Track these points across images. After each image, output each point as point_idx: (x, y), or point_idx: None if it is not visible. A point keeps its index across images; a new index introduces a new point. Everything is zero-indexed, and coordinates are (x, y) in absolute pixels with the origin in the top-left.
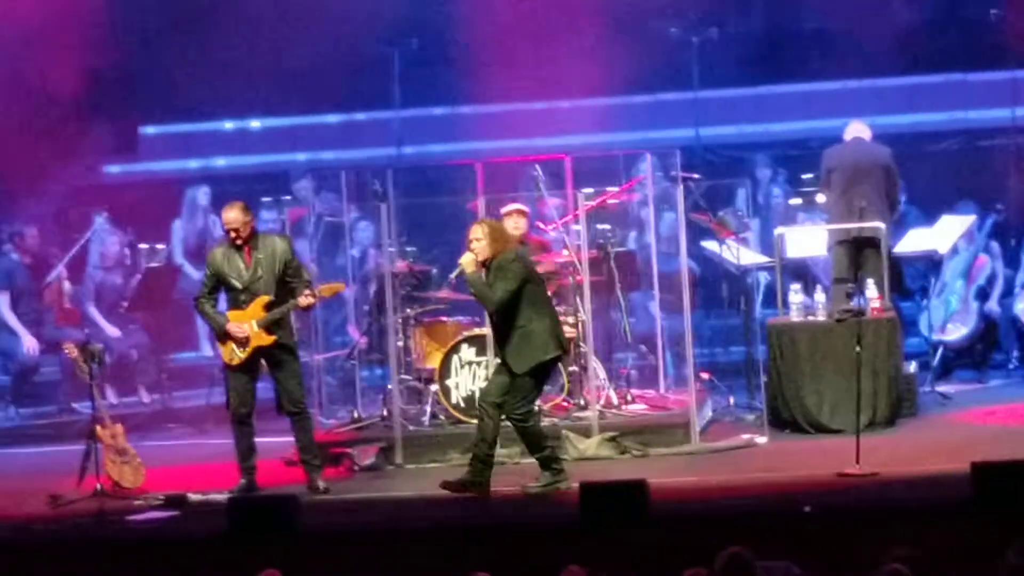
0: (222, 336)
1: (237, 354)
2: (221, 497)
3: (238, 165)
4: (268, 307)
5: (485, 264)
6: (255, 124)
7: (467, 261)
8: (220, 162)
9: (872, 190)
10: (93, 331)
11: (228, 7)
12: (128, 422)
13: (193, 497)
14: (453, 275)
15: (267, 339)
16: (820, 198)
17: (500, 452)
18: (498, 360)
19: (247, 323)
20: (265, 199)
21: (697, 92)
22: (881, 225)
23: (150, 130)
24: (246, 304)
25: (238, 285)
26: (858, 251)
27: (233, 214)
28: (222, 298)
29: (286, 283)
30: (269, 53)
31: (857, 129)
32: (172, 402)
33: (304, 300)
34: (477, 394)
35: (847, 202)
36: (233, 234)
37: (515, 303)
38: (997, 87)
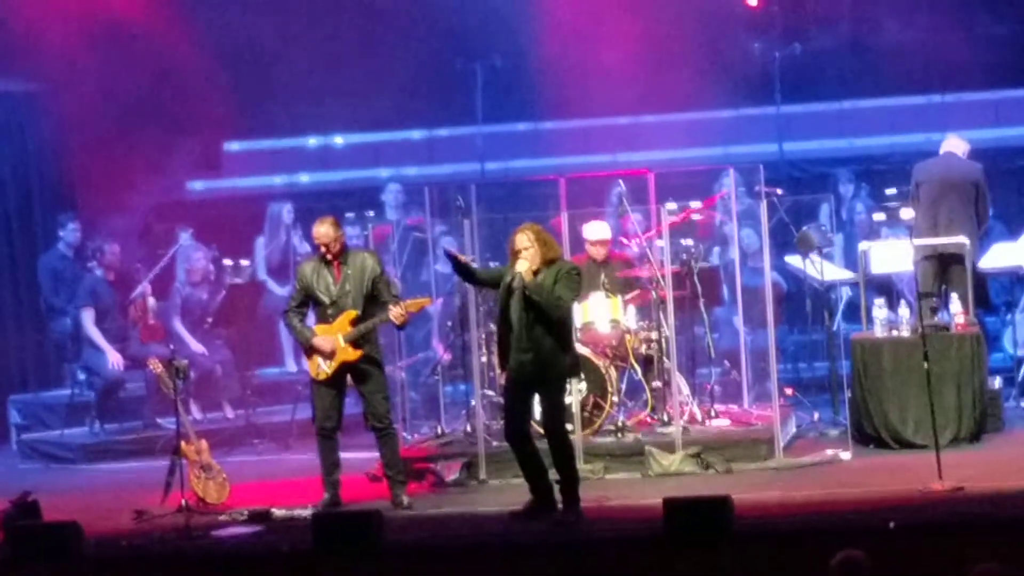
0: (308, 350)
1: (323, 368)
2: (305, 512)
3: (321, 181)
4: (355, 322)
5: (536, 271)
6: (338, 140)
7: (524, 269)
8: (303, 178)
9: (959, 205)
10: (178, 346)
11: (311, 23)
12: (212, 438)
13: (277, 512)
14: (514, 282)
15: (353, 354)
16: (906, 212)
17: (583, 467)
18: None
19: (333, 337)
20: (348, 215)
21: (780, 107)
22: (965, 240)
23: (234, 146)
24: (333, 318)
25: (326, 300)
26: (943, 266)
27: (324, 229)
28: (310, 313)
29: (374, 299)
30: (353, 69)
31: (952, 144)
32: (256, 418)
33: (393, 313)
34: None
35: (932, 216)
36: (323, 249)
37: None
38: None
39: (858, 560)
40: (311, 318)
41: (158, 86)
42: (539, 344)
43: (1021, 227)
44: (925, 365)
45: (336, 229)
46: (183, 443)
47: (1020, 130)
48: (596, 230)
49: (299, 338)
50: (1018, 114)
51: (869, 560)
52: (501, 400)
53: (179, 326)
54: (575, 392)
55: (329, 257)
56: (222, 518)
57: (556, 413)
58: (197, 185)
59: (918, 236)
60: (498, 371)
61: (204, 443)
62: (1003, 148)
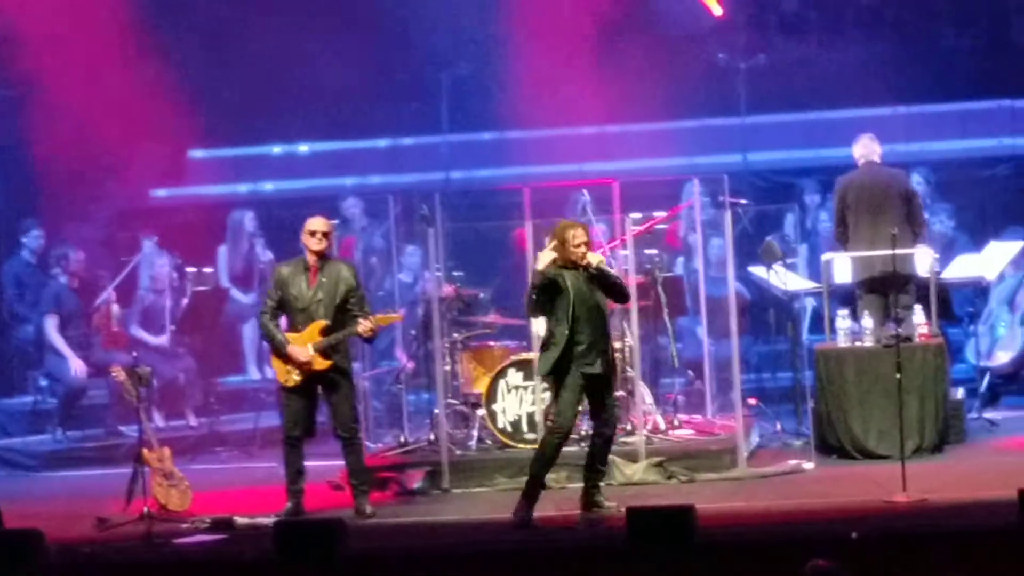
0: (278, 355)
1: (292, 376)
2: (268, 520)
3: (285, 189)
4: (325, 331)
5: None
6: (303, 148)
7: (599, 260)
8: (268, 186)
9: (894, 219)
10: (140, 349)
11: (277, 30)
12: (175, 445)
13: (240, 520)
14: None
15: (322, 363)
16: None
17: (548, 476)
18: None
19: (303, 346)
20: None
21: (745, 117)
22: (926, 250)
23: (198, 154)
24: (302, 326)
25: (298, 305)
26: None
27: (321, 220)
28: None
29: (346, 310)
30: (317, 77)
31: (868, 149)
32: (219, 425)
33: (363, 326)
34: (524, 418)
35: (870, 236)
36: (319, 236)
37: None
38: None
39: (830, 569)
40: (281, 324)
41: (122, 93)
42: (609, 342)
43: (984, 238)
44: (897, 376)
45: (331, 226)
46: (145, 451)
47: (984, 142)
48: None
49: (272, 342)
50: (982, 126)
51: (840, 569)
52: (464, 409)
53: (137, 328)
54: (538, 401)
55: (315, 250)
56: (184, 526)
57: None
58: (161, 192)
59: (855, 257)
60: (461, 380)
61: (167, 451)
62: (967, 160)
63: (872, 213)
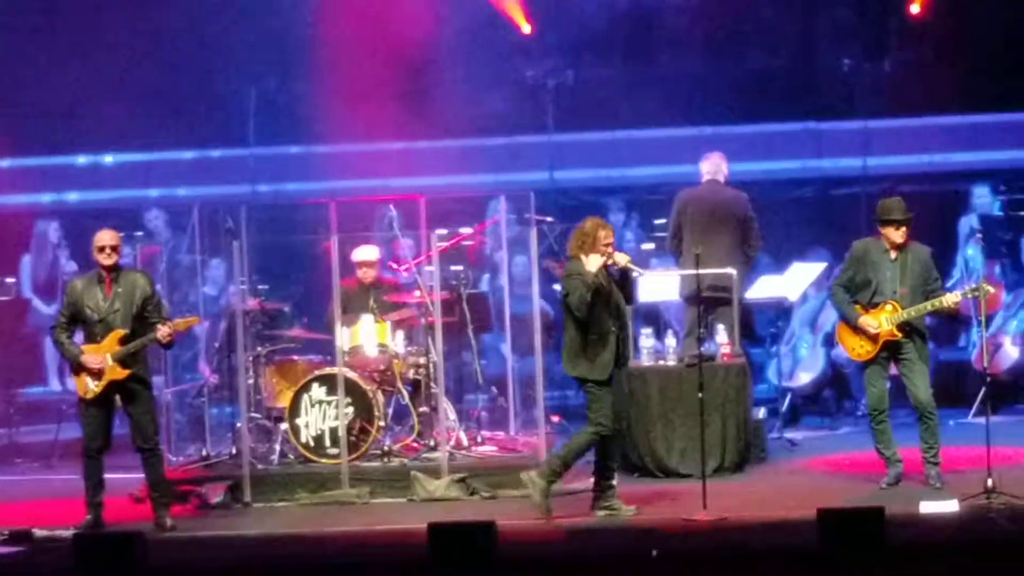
0: (76, 368)
1: (91, 387)
2: (67, 533)
3: (90, 200)
4: (123, 341)
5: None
6: (108, 159)
7: (627, 257)
8: (72, 196)
9: (728, 238)
10: None
11: (83, 39)
12: None
13: (38, 533)
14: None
15: (121, 372)
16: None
17: (349, 492)
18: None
19: (102, 356)
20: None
21: (552, 135)
22: (732, 272)
23: (2, 163)
24: (101, 337)
25: (95, 317)
26: (711, 300)
27: (109, 234)
28: (78, 331)
29: (144, 319)
30: (124, 87)
31: (714, 167)
32: (19, 436)
33: (161, 332)
34: (327, 433)
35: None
36: (105, 253)
37: None
38: (849, 136)
39: None
40: (79, 337)
41: None
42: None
43: (788, 259)
44: (700, 395)
45: (119, 239)
46: None
47: (788, 163)
48: (365, 252)
49: (66, 355)
50: (787, 147)
51: None
52: (267, 423)
53: None
54: (341, 416)
55: (106, 264)
56: None
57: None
58: None
59: (684, 269)
60: (265, 394)
61: None
62: (771, 181)
63: (707, 231)
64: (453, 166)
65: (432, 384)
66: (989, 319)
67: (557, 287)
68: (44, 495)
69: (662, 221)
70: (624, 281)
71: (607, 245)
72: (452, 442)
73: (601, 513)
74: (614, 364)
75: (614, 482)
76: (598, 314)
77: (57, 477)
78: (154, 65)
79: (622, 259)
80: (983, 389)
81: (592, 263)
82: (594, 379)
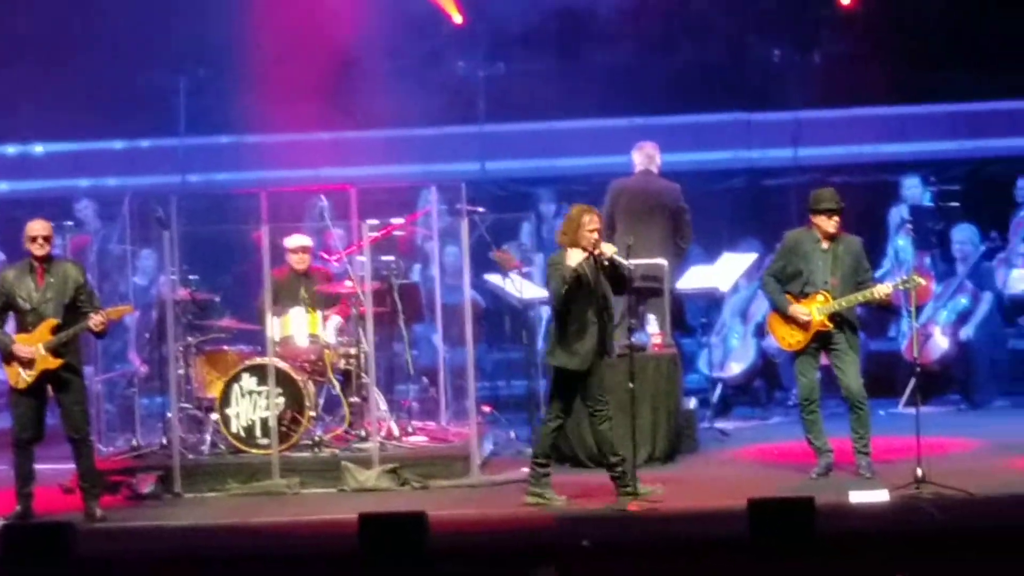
0: (7, 357)
1: (23, 377)
2: None
3: (19, 190)
4: (56, 330)
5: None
6: (38, 149)
7: (613, 249)
8: (2, 187)
9: (660, 229)
10: None
11: (12, 30)
12: None
13: None
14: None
15: (54, 362)
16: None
17: (279, 482)
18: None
19: (34, 346)
20: None
21: (483, 126)
22: (663, 263)
23: None
24: (33, 327)
25: (26, 306)
26: (642, 290)
27: (41, 224)
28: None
29: (76, 308)
30: (54, 77)
31: (647, 158)
32: None
33: (94, 321)
34: (258, 423)
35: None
36: (40, 241)
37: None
38: (780, 127)
39: None
40: (10, 326)
41: None
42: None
43: (718, 250)
44: (631, 385)
45: (51, 229)
46: None
47: (718, 154)
48: (296, 239)
49: None
50: (716, 138)
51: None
52: (198, 413)
53: None
54: (272, 406)
55: (39, 255)
56: None
57: None
58: None
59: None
60: (195, 384)
61: None
62: (701, 172)
63: (639, 221)
64: (385, 156)
65: (363, 374)
66: (919, 310)
67: (489, 277)
68: None
69: None
70: (614, 272)
71: (592, 231)
72: (383, 432)
73: (624, 501)
74: (596, 355)
75: (623, 468)
76: (580, 306)
77: None
78: (85, 55)
79: (609, 250)
80: (913, 379)
81: (572, 257)
82: (572, 369)
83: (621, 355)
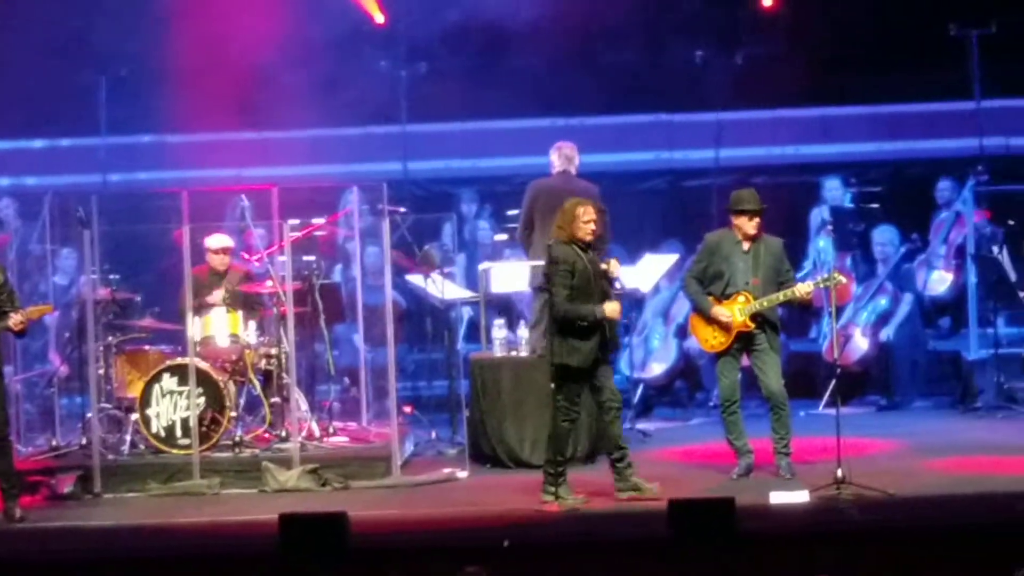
0: None
1: None
2: None
3: None
4: None
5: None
6: None
7: (617, 266)
8: None
9: None
10: None
11: None
12: None
13: None
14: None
15: None
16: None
17: (199, 483)
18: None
19: None
20: None
21: (405, 126)
22: None
23: None
24: None
25: None
26: None
27: None
28: None
29: None
30: None
31: (566, 158)
32: None
33: (13, 320)
34: (178, 424)
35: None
36: None
37: None
38: (701, 128)
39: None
40: None
41: None
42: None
43: (639, 251)
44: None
45: None
46: None
47: (639, 155)
48: (218, 239)
49: None
50: (638, 139)
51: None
52: (118, 413)
53: None
54: (192, 406)
55: None
56: None
57: None
58: None
59: (535, 259)
60: (115, 384)
61: None
62: (623, 172)
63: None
64: (306, 156)
65: (284, 374)
66: (840, 311)
67: (410, 278)
68: None
69: (514, 212)
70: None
71: (588, 222)
72: (304, 433)
73: (625, 495)
74: (599, 350)
75: (626, 462)
76: (580, 303)
77: None
78: (4, 53)
79: (615, 270)
80: (833, 380)
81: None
82: (575, 366)
83: (541, 355)
